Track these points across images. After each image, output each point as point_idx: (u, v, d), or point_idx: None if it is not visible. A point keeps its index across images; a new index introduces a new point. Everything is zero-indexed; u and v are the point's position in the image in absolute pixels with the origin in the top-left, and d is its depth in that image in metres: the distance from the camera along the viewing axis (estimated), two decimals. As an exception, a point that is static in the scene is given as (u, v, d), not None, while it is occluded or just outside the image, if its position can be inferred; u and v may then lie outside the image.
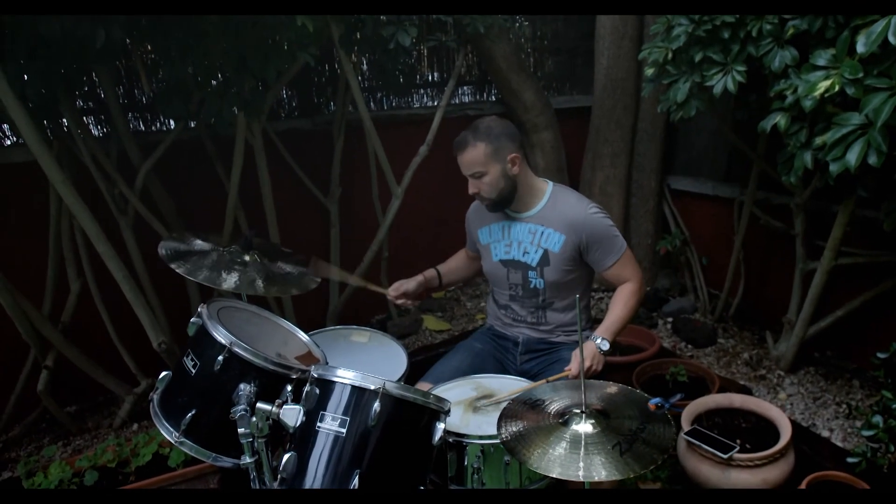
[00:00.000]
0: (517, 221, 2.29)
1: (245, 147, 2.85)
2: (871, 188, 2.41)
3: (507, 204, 2.24)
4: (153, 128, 3.27)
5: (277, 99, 3.48)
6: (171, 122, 3.02)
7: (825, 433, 2.72)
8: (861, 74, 1.81)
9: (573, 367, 2.03)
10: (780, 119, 2.22)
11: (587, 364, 2.02)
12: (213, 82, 2.65)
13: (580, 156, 4.31)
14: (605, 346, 2.11)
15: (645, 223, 4.20)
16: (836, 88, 1.87)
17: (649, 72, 2.71)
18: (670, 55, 2.56)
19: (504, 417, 1.64)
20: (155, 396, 1.79)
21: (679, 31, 2.47)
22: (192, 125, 2.99)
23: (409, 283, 2.42)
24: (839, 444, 2.62)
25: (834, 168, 1.96)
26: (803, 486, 2.17)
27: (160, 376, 1.79)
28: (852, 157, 1.88)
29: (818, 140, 2.06)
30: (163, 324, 2.85)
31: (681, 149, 4.06)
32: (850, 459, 2.24)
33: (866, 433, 2.20)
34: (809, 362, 3.22)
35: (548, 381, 2.01)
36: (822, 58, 1.96)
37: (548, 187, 2.29)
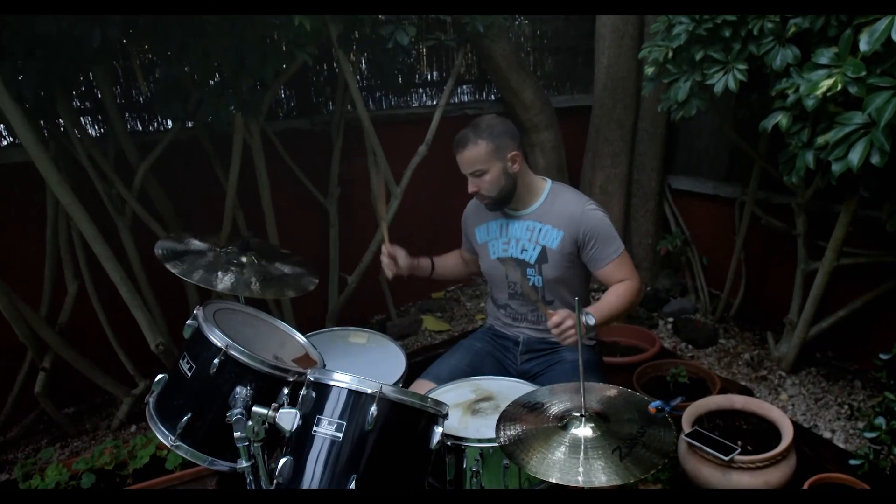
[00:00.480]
0: (515, 219, 2.27)
1: (243, 147, 2.83)
2: (874, 188, 2.39)
3: (507, 202, 2.22)
4: (151, 128, 3.26)
5: (276, 98, 3.46)
6: (169, 122, 3.01)
7: (827, 434, 2.70)
8: (864, 73, 1.79)
9: (555, 319, 1.93)
10: (781, 118, 2.20)
11: (564, 323, 1.90)
12: (211, 82, 2.63)
13: (581, 155, 4.30)
14: (591, 321, 2.02)
15: (645, 223, 4.18)
16: (839, 87, 1.85)
17: (650, 70, 2.69)
18: (671, 54, 2.54)
19: (503, 420, 1.63)
20: (151, 399, 1.78)
21: (680, 30, 2.45)
22: (190, 125, 2.97)
23: (403, 257, 2.38)
24: (841, 445, 2.61)
25: (836, 168, 1.94)
26: (805, 488, 2.16)
27: (156, 379, 1.77)
28: (855, 156, 1.87)
29: (820, 139, 2.05)
30: (160, 325, 2.84)
31: (682, 148, 4.04)
32: (852, 462, 2.22)
33: (869, 435, 2.18)
34: (811, 363, 3.20)
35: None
36: (824, 56, 1.94)
37: (546, 185, 2.28)
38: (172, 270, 1.97)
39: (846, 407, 2.85)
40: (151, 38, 2.49)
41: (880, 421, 2.16)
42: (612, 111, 4.00)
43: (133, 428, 2.98)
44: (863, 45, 1.77)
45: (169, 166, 2.93)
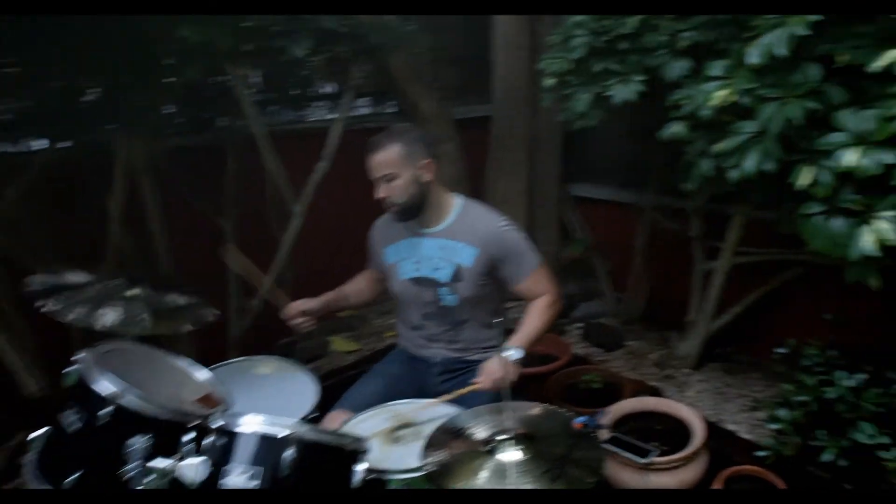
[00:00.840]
0: (426, 237, 2.22)
1: (128, 167, 2.61)
2: (768, 192, 2.51)
3: (416, 213, 2.16)
4: (20, 148, 2.93)
5: (164, 114, 3.23)
6: (41, 142, 2.73)
7: (732, 427, 2.81)
8: (755, 85, 1.87)
9: (484, 381, 1.97)
10: (678, 128, 2.27)
11: (498, 374, 1.91)
12: (91, 97, 2.41)
13: (483, 165, 4.31)
14: (519, 355, 2.04)
15: (549, 230, 4.24)
16: (732, 99, 1.92)
17: (550, 82, 2.72)
18: (570, 66, 2.58)
19: (427, 448, 1.56)
20: (30, 459, 1.57)
21: (578, 42, 2.49)
22: (67, 145, 2.70)
23: (311, 303, 2.29)
24: (746, 436, 2.72)
25: (732, 175, 2.02)
26: (720, 483, 2.22)
27: (34, 434, 1.57)
28: (749, 164, 1.95)
29: (716, 148, 2.12)
30: (39, 369, 2.55)
31: (582, 156, 4.13)
32: (759, 453, 2.33)
33: (772, 426, 2.29)
34: (713, 359, 3.34)
35: (459, 394, 1.98)
36: (716, 68, 2.02)
37: (458, 201, 2.24)
38: (46, 310, 1.76)
39: (748, 399, 2.99)
40: (23, 49, 2.24)
41: (784, 412, 2.27)
42: (511, 121, 4.04)
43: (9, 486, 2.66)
44: (752, 58, 1.86)
45: (43, 191, 2.65)
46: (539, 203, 4.22)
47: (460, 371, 2.27)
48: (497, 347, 2.23)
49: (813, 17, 1.73)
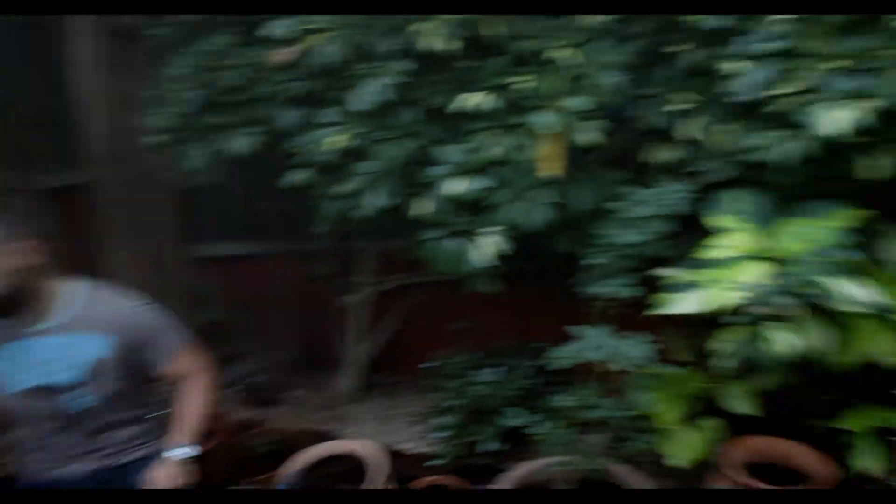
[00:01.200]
0: (41, 336, 1.82)
1: None
2: (392, 225, 2.74)
3: (20, 307, 1.75)
4: None
5: None
6: None
7: (404, 446, 2.96)
8: (366, 129, 2.03)
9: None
10: (301, 174, 2.33)
11: (168, 484, 1.77)
12: None
13: (91, 239, 3.78)
14: (190, 452, 1.84)
15: (178, 297, 3.91)
16: (349, 143, 2.05)
17: (157, 139, 2.54)
18: (180, 121, 2.44)
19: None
20: None
21: (184, 97, 2.37)
22: None
23: None
24: (423, 450, 2.87)
25: (357, 213, 2.17)
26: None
27: None
28: (372, 201, 2.11)
29: (337, 190, 2.23)
30: None
31: (209, 214, 3.94)
32: (434, 462, 2.52)
33: (441, 434, 2.50)
34: (372, 387, 3.50)
35: None
36: (329, 115, 2.13)
37: (80, 287, 1.90)
38: None
39: (411, 417, 3.20)
40: None
41: (444, 419, 2.50)
42: (117, 185, 3.61)
43: None
44: (354, 105, 2.01)
45: None
46: (162, 271, 3.86)
47: (112, 482, 1.93)
48: (155, 441, 1.98)
49: (404, 67, 1.95)
